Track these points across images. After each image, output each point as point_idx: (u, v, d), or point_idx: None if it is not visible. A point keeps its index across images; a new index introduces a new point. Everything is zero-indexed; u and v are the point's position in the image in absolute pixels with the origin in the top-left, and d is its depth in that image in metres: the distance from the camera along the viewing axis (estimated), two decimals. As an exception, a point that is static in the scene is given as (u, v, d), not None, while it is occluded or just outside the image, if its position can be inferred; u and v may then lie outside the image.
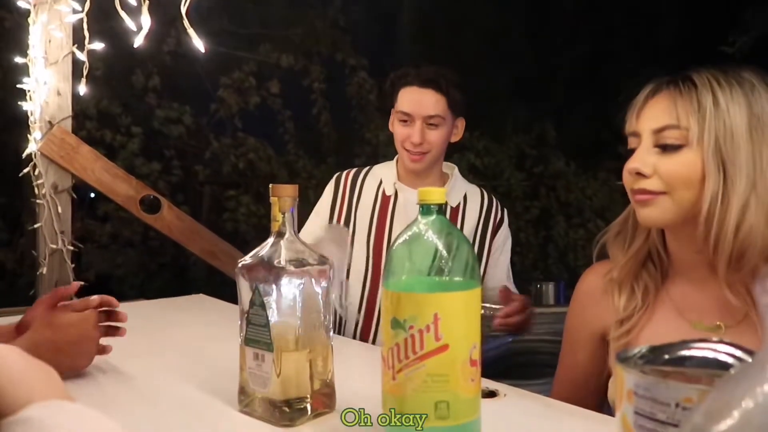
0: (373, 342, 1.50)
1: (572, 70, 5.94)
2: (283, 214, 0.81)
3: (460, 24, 5.99)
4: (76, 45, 1.80)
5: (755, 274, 0.79)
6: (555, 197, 5.43)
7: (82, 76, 1.77)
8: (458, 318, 0.67)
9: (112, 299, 1.04)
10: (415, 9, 6.04)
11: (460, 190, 1.57)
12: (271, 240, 0.81)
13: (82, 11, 1.69)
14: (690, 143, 0.80)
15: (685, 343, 0.53)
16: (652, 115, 0.84)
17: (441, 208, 0.71)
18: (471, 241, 1.51)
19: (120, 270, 4.41)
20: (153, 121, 4.56)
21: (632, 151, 0.87)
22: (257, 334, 0.80)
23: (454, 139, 1.55)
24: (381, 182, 1.58)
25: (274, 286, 0.78)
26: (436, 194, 0.71)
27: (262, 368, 0.80)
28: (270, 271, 0.79)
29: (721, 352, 0.47)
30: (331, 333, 0.84)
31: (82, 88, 1.80)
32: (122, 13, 1.48)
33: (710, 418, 0.33)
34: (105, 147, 4.09)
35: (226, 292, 1.94)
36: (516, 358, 2.86)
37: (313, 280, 0.80)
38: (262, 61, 4.80)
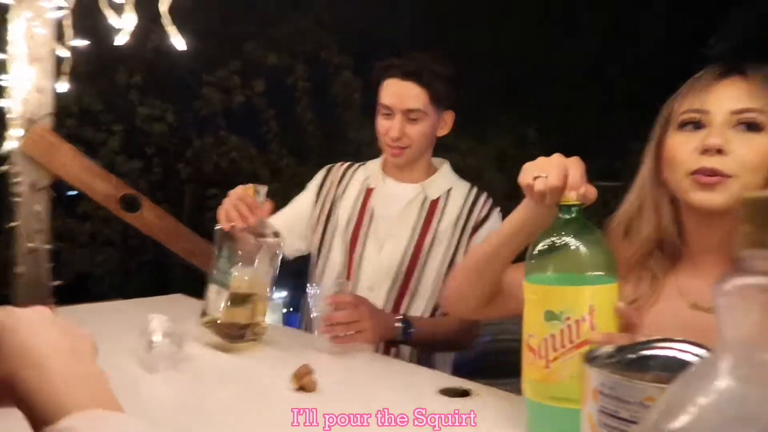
0: None
1: (555, 75, 6.00)
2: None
3: (446, 28, 6.01)
4: (58, 42, 1.78)
5: None
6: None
7: (63, 73, 1.76)
8: (609, 309, 0.74)
9: None
10: (402, 10, 6.05)
11: (443, 185, 1.56)
12: None
13: (67, 8, 1.68)
14: None
15: (648, 343, 0.55)
16: (732, 95, 0.84)
17: (580, 208, 0.79)
18: (450, 235, 1.49)
19: (99, 269, 4.36)
20: (135, 119, 4.51)
21: (687, 125, 0.86)
22: (221, 276, 1.18)
23: (441, 133, 1.52)
24: (368, 176, 1.58)
25: (238, 247, 1.19)
26: (572, 195, 0.79)
27: (219, 299, 1.18)
28: (233, 236, 1.20)
29: (683, 351, 0.49)
30: (272, 292, 1.25)
31: (65, 86, 1.79)
32: (107, 11, 1.47)
33: (667, 415, 0.34)
34: (85, 144, 4.04)
35: (204, 291, 1.93)
36: (493, 357, 2.87)
37: (265, 248, 1.19)
38: (246, 60, 4.78)
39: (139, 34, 1.60)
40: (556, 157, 0.84)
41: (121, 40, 1.52)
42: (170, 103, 4.65)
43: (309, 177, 1.73)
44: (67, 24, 1.70)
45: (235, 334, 1.18)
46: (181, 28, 1.52)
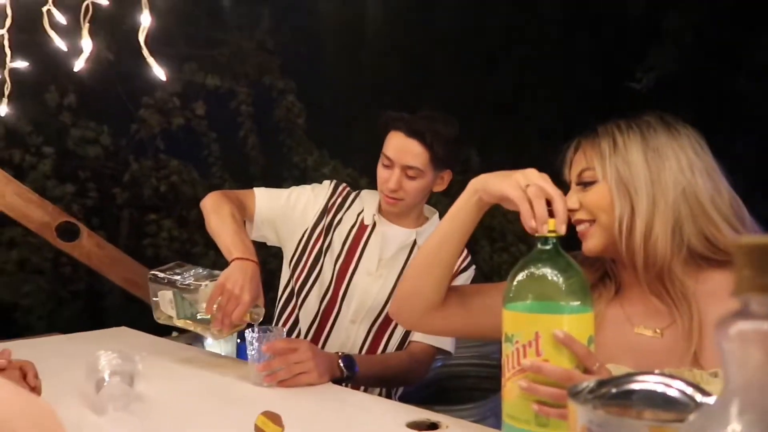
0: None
1: (494, 101, 6.19)
2: None
3: (387, 51, 6.12)
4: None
5: (671, 279, 0.96)
6: (479, 222, 5.57)
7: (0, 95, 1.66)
8: (582, 338, 0.77)
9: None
10: (342, 35, 6.11)
11: None
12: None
13: (3, 28, 1.59)
14: (599, 179, 1.01)
15: (628, 377, 0.56)
16: (574, 164, 1.07)
17: (557, 240, 0.83)
18: None
19: (27, 299, 4.10)
20: (67, 141, 4.32)
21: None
22: (185, 305, 1.33)
23: (438, 189, 1.57)
24: (363, 210, 1.61)
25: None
26: (551, 225, 0.84)
27: (171, 303, 1.36)
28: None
29: (673, 387, 0.50)
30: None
31: (3, 109, 1.70)
32: (51, 33, 1.41)
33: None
34: (13, 168, 3.83)
35: (145, 322, 1.84)
36: (445, 382, 2.87)
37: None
38: (187, 82, 4.68)
39: (73, 53, 1.54)
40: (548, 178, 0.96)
41: (77, 66, 1.48)
42: (105, 124, 4.48)
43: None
44: (5, 44, 1.61)
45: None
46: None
